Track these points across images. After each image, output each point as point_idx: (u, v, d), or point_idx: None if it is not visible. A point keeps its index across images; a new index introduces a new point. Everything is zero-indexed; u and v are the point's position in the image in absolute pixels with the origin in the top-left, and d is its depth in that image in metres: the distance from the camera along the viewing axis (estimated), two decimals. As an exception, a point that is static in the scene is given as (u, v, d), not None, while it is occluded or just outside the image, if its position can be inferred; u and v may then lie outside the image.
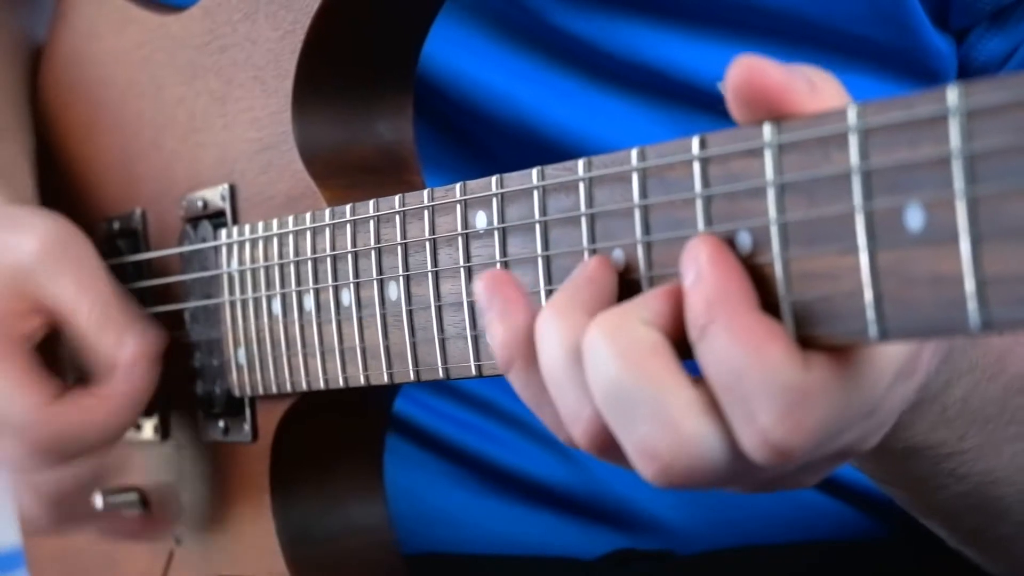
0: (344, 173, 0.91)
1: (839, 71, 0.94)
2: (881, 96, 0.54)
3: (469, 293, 0.75)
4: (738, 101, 0.58)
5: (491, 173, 0.74)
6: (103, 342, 0.97)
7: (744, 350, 0.56)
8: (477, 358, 0.75)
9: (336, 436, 0.95)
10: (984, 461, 0.79)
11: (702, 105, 0.94)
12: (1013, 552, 0.86)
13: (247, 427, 0.97)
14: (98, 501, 1.09)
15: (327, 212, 0.85)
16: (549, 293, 0.70)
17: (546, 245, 0.70)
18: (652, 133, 0.95)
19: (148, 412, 1.08)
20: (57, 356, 1.04)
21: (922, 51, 0.93)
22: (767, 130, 0.59)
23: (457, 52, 0.96)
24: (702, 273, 0.59)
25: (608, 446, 0.62)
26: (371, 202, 0.81)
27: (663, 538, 1.03)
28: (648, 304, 0.61)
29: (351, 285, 0.83)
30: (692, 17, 0.93)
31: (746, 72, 0.58)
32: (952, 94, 0.52)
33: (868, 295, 0.56)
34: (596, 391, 0.60)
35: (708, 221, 0.62)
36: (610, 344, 0.60)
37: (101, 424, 0.96)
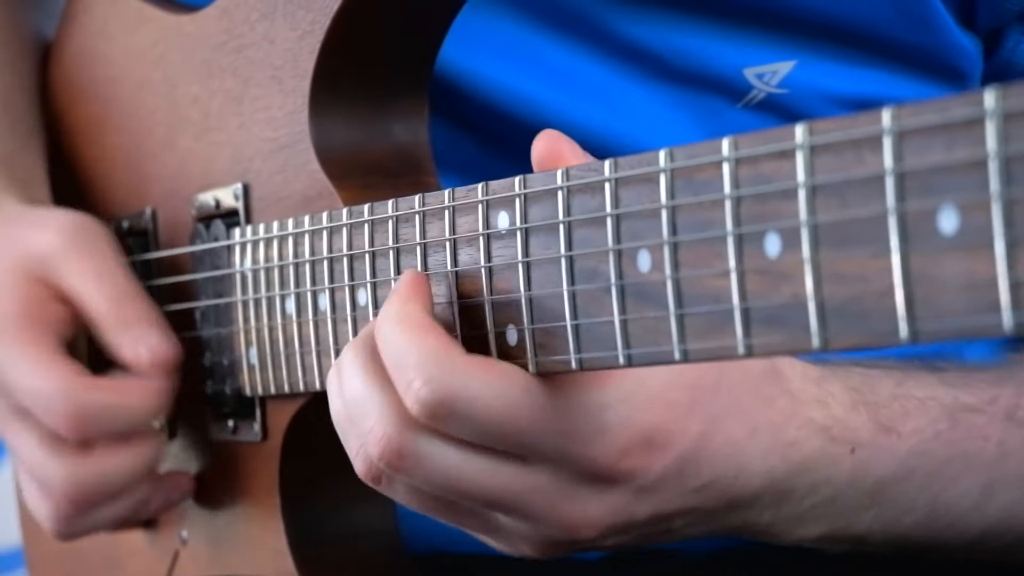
0: (360, 174, 0.91)
1: (864, 70, 0.95)
2: (905, 94, 0.54)
3: (489, 292, 0.75)
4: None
5: (508, 172, 0.74)
6: (120, 339, 0.98)
7: (408, 337, 0.73)
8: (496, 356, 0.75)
9: (346, 437, 0.95)
10: (903, 523, 0.85)
11: (725, 96, 0.94)
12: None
13: (257, 426, 0.97)
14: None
15: (344, 212, 0.85)
16: (572, 294, 0.70)
17: (570, 246, 0.70)
18: (674, 123, 0.95)
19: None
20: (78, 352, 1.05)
21: (946, 50, 0.93)
22: (799, 132, 0.59)
23: (470, 46, 0.95)
24: (398, 286, 0.75)
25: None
26: (390, 202, 0.81)
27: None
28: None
29: (368, 285, 0.83)
30: (718, 12, 0.93)
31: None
32: (989, 97, 0.53)
33: (899, 297, 0.56)
34: None
35: (737, 222, 0.62)
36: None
37: (135, 401, 0.97)
